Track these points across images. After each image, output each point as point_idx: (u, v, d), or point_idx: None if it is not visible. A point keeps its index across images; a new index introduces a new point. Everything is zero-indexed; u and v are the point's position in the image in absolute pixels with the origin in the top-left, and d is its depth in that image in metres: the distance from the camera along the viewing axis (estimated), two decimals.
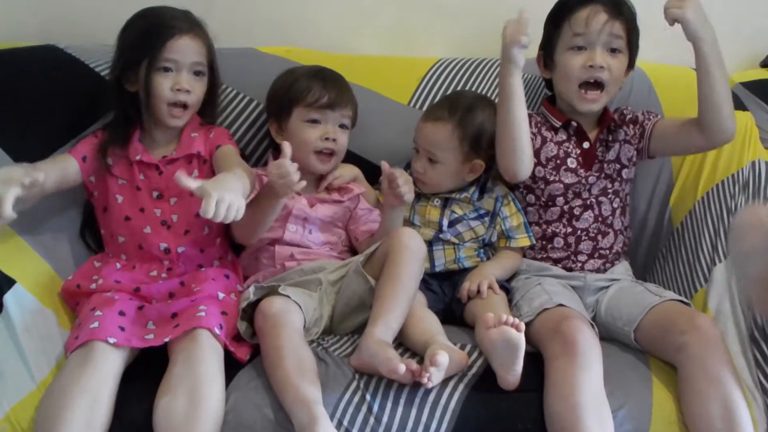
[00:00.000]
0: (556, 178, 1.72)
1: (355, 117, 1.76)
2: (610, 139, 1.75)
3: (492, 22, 2.02)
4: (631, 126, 1.75)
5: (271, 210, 1.57)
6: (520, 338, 1.34)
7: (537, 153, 1.72)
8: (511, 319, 1.35)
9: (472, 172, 1.73)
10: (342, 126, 1.71)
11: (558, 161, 1.72)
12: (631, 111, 1.78)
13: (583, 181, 1.72)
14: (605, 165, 1.73)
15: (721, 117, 1.62)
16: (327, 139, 1.68)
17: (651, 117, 1.75)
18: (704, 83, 1.60)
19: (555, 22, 1.72)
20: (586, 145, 1.73)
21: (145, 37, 1.58)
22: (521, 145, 1.63)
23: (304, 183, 1.48)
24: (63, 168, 1.59)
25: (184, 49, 1.59)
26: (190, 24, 1.61)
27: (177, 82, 1.59)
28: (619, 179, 1.74)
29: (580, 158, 1.73)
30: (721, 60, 1.60)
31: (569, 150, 1.73)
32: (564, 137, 1.75)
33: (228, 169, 1.53)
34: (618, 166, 1.74)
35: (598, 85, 1.67)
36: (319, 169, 1.70)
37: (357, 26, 2.04)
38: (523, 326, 1.35)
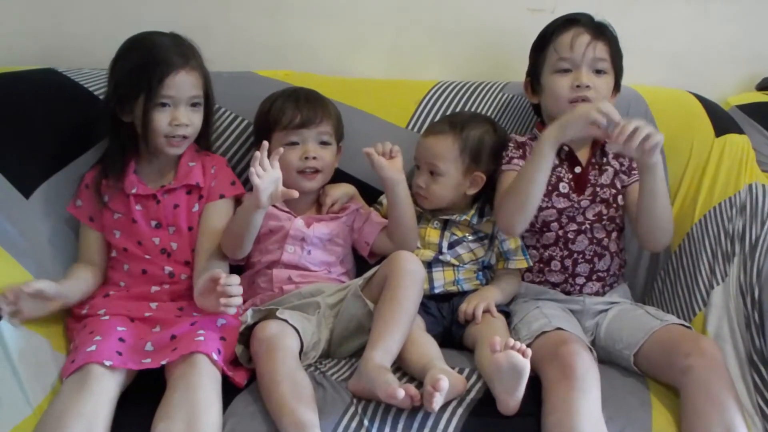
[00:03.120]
0: (549, 204, 1.72)
1: (339, 131, 1.76)
2: (604, 161, 1.76)
3: (490, 46, 2.06)
4: (627, 158, 1.76)
5: (250, 221, 1.57)
6: (526, 364, 1.33)
7: None
8: (518, 344, 1.35)
9: (474, 185, 1.74)
10: (323, 143, 1.72)
11: (550, 187, 1.72)
12: None
13: (576, 205, 1.72)
14: (599, 189, 1.74)
15: (656, 236, 1.69)
16: (307, 158, 1.68)
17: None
18: (648, 204, 1.63)
19: (539, 47, 1.76)
20: (578, 169, 1.74)
21: (141, 73, 1.56)
22: (530, 207, 1.63)
23: (279, 196, 1.52)
24: (97, 246, 1.65)
25: (181, 85, 1.58)
26: (185, 58, 1.59)
27: (175, 118, 1.58)
28: (615, 205, 1.75)
29: (572, 183, 1.73)
30: (664, 179, 1.64)
31: (561, 175, 1.74)
32: (556, 162, 1.75)
33: (207, 231, 1.63)
34: (614, 191, 1.75)
35: (585, 101, 1.68)
36: (308, 187, 1.70)
37: (355, 50, 2.05)
38: (529, 352, 1.34)
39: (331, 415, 1.37)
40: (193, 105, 1.62)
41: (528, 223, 1.67)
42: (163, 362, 1.38)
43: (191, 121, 1.61)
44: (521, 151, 1.75)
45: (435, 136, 1.73)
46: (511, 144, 1.76)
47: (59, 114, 1.75)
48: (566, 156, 1.75)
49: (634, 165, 1.74)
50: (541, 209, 1.72)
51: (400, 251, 1.57)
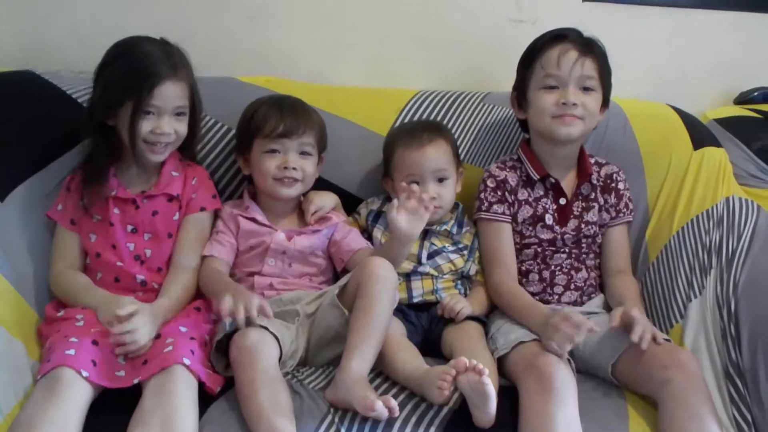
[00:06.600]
0: (532, 234, 1.74)
1: (321, 142, 1.74)
2: (592, 197, 1.77)
3: (471, 56, 2.07)
4: (614, 197, 1.78)
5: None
6: (487, 386, 1.31)
7: (514, 216, 1.75)
8: (479, 366, 1.32)
9: (460, 181, 1.78)
10: (304, 153, 1.70)
11: (534, 219, 1.74)
12: (624, 184, 1.80)
13: (558, 237, 1.74)
14: (583, 225, 1.75)
15: None
16: (286, 168, 1.67)
17: (625, 213, 1.78)
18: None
19: (526, 62, 1.75)
20: (562, 201, 1.75)
21: (131, 81, 1.55)
22: None
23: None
24: (79, 249, 1.63)
25: (167, 95, 1.57)
26: (173, 68, 1.58)
27: (158, 126, 1.57)
28: (598, 240, 1.78)
29: (556, 214, 1.74)
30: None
31: (547, 206, 1.75)
32: (541, 192, 1.76)
33: (184, 243, 1.64)
34: (596, 229, 1.76)
35: (571, 118, 1.69)
36: (284, 194, 1.69)
37: (338, 57, 2.05)
38: (486, 371, 1.31)
39: (308, 425, 1.36)
40: (178, 114, 1.61)
41: None
42: (135, 381, 1.36)
43: (174, 129, 1.60)
44: (500, 192, 1.74)
45: (432, 144, 1.73)
46: (488, 182, 1.76)
47: (36, 116, 1.73)
48: (551, 187, 1.75)
49: (620, 207, 1.77)
50: (523, 237, 1.74)
51: (371, 257, 1.55)
